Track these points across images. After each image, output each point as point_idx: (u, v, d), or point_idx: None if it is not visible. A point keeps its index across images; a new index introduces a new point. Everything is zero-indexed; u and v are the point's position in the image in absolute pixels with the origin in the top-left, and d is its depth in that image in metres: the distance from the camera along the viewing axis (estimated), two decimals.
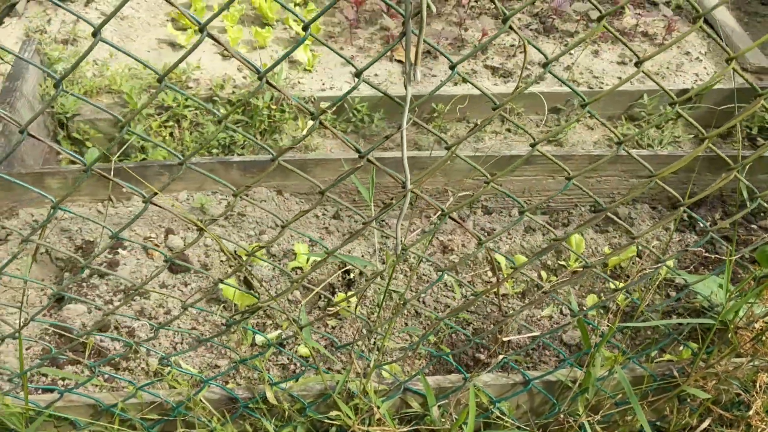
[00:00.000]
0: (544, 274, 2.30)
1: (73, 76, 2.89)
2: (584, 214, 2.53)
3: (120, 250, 2.18)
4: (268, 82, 1.08)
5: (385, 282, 2.27)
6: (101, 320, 1.56)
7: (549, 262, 2.34)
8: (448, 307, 2.17)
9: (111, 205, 2.38)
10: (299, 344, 2.03)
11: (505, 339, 1.91)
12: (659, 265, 1.43)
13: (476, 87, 1.14)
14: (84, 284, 2.09)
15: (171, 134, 2.92)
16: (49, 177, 2.33)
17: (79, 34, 3.29)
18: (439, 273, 2.21)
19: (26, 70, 2.69)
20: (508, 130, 3.15)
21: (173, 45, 3.35)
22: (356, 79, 1.11)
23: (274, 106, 2.94)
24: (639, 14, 3.38)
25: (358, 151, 1.18)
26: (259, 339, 2.05)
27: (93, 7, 3.47)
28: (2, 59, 3.03)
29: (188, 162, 1.17)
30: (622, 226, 2.48)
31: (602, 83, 3.18)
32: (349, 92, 1.12)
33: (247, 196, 2.47)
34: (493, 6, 3.62)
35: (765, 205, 1.38)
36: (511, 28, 1.05)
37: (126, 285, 2.11)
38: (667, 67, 3.29)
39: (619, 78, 3.22)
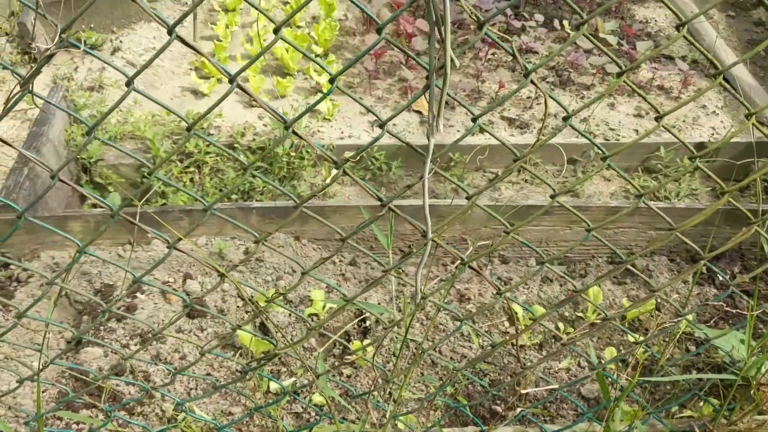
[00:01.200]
0: (561, 325, 2.28)
1: (97, 119, 2.95)
2: (601, 265, 2.52)
3: (138, 294, 2.20)
4: (294, 132, 1.10)
5: (402, 330, 2.26)
6: (118, 364, 1.57)
7: (566, 314, 2.32)
8: (465, 357, 2.16)
9: (132, 249, 2.40)
10: (314, 392, 2.02)
11: (522, 391, 1.89)
12: (679, 319, 1.42)
13: (497, 139, 1.16)
14: (102, 328, 2.10)
15: (191, 179, 2.96)
16: (72, 220, 2.36)
17: (105, 81, 3.38)
18: (457, 322, 2.20)
19: (53, 115, 2.76)
20: (525, 180, 3.17)
21: (196, 93, 3.42)
22: (379, 130, 1.13)
23: (293, 153, 2.98)
24: (655, 68, 3.42)
25: (380, 199, 1.20)
26: (274, 386, 2.04)
27: (119, 56, 3.57)
28: (35, 105, 3.11)
29: (212, 209, 1.19)
30: (641, 278, 2.47)
31: (618, 135, 3.20)
32: (372, 142, 1.14)
33: (266, 242, 2.49)
34: (509, 59, 3.68)
35: None
36: (532, 82, 1.08)
37: (143, 329, 2.11)
38: (684, 120, 3.31)
39: (636, 130, 3.25)
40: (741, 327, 1.67)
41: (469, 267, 1.33)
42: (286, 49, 3.54)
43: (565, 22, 3.81)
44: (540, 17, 3.80)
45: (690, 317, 2.14)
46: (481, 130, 3.24)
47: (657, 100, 3.44)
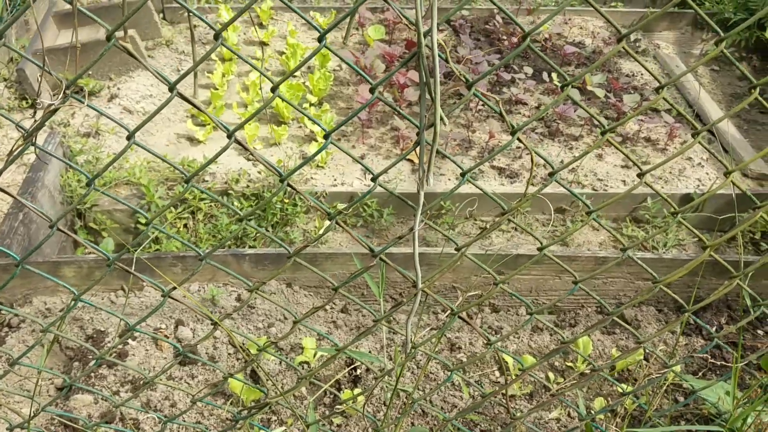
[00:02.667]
0: (551, 375, 2.29)
1: (94, 168, 2.99)
2: (591, 315, 2.54)
3: (130, 341, 2.20)
4: (289, 185, 1.14)
5: (393, 380, 2.27)
6: (108, 412, 1.56)
7: (557, 364, 2.34)
8: (455, 406, 2.16)
9: (124, 295, 2.41)
10: None
11: None
12: (666, 370, 1.44)
13: (486, 194, 1.20)
14: (92, 375, 2.10)
15: (185, 225, 2.99)
16: (65, 266, 2.37)
17: (102, 127, 3.43)
18: (448, 372, 2.21)
19: (48, 161, 2.79)
20: (515, 229, 3.21)
21: (191, 139, 3.47)
22: (372, 183, 1.17)
23: (287, 200, 3.02)
24: (642, 120, 3.50)
25: (371, 250, 1.23)
26: None
27: (116, 102, 3.63)
28: (34, 152, 3.15)
29: (208, 258, 1.22)
30: (627, 330, 2.49)
31: (606, 185, 3.26)
32: (364, 195, 1.17)
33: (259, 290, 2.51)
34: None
35: None
36: (519, 140, 1.12)
37: (134, 376, 2.11)
38: (670, 172, 3.38)
39: (623, 181, 3.31)
40: (727, 378, 1.69)
41: (459, 317, 1.35)
42: (281, 98, 3.61)
43: (554, 75, 3.91)
44: (529, 69, 3.90)
45: (678, 368, 2.16)
46: (479, 162, 3.30)
47: (644, 151, 3.52)
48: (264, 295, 1.28)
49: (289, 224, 3.10)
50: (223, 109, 3.57)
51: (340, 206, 3.11)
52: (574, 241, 3.16)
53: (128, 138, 1.07)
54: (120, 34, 3.60)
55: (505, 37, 4.23)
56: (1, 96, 3.72)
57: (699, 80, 4.33)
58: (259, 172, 3.19)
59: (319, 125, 1.08)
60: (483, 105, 3.82)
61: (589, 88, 3.63)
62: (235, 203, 3.05)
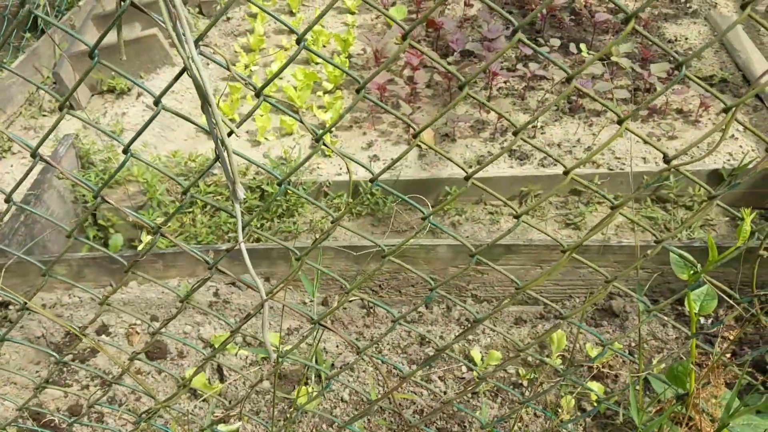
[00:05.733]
0: (522, 370, 2.18)
1: (105, 167, 3.12)
2: (578, 306, 2.40)
3: (103, 336, 2.30)
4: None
5: (356, 374, 2.24)
6: (76, 404, 1.65)
7: (530, 359, 2.23)
8: (414, 403, 2.11)
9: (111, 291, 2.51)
10: None
11: None
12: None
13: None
14: (64, 369, 2.21)
15: (192, 220, 3.07)
16: (56, 265, 2.50)
17: (125, 126, 3.57)
18: (413, 366, 2.15)
19: (59, 163, 2.94)
20: (493, 213, 3.08)
21: (210, 133, 3.55)
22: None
23: (291, 192, 3.03)
24: (672, 91, 3.24)
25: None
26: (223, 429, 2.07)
27: (141, 100, 3.76)
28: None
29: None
30: (616, 322, 2.34)
31: (624, 164, 3.05)
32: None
33: (235, 284, 2.55)
34: (520, 87, 3.59)
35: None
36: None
37: (105, 370, 2.20)
38: (698, 146, 3.11)
39: (644, 158, 3.08)
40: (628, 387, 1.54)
41: (320, 325, 1.31)
42: (294, 87, 3.62)
43: (583, 46, 3.68)
44: (557, 42, 3.69)
45: (662, 366, 2.00)
46: (478, 162, 3.18)
47: (674, 125, 3.25)
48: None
49: (294, 215, 3.12)
50: (239, 102, 3.62)
51: (340, 197, 3.09)
52: (586, 224, 2.98)
53: (124, 152, 1.11)
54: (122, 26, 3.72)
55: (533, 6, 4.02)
56: (43, 100, 3.95)
57: (761, 39, 3.94)
58: (263, 166, 3.22)
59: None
60: (505, 83, 3.66)
61: (614, 58, 3.39)
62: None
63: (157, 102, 1.04)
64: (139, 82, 1.05)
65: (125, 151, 1.09)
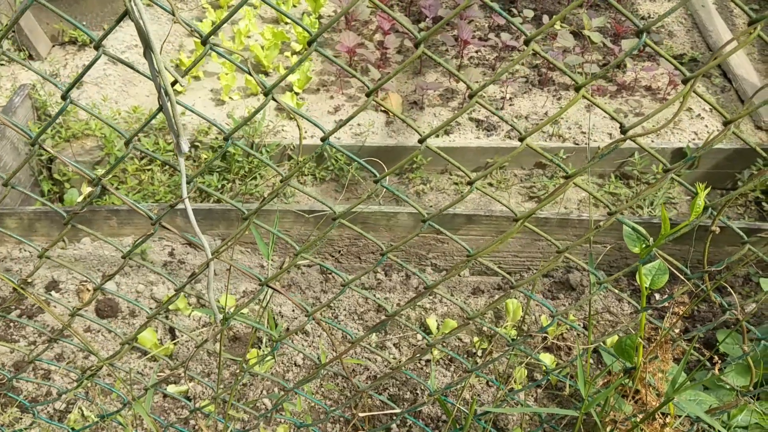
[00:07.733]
0: (476, 340, 2.19)
1: (62, 120, 3.02)
2: (537, 278, 2.40)
3: (53, 292, 2.24)
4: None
5: (311, 339, 2.23)
6: (21, 360, 1.59)
7: (485, 328, 2.23)
8: (367, 369, 2.10)
9: (63, 246, 2.45)
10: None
11: (361, 415, 1.81)
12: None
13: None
14: (12, 324, 2.16)
15: (150, 178, 3.00)
16: (6, 217, 2.43)
17: (85, 79, 3.46)
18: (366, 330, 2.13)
19: (13, 114, 2.84)
20: (491, 185, 3.06)
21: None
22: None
23: (240, 148, 2.97)
24: (640, 67, 3.23)
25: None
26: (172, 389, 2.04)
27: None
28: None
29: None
30: (572, 295, 2.35)
31: (590, 139, 3.05)
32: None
33: (189, 245, 2.50)
34: (492, 56, 3.56)
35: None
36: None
37: (53, 327, 2.16)
38: (661, 121, 3.12)
39: (610, 134, 3.08)
40: (574, 361, 1.55)
41: (268, 286, 1.29)
42: (261, 46, 3.54)
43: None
44: (530, 13, 3.65)
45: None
46: (446, 133, 3.15)
47: (641, 102, 3.25)
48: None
49: (256, 177, 3.07)
50: (205, 60, 3.53)
51: (301, 159, 3.04)
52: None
53: (63, 98, 1.04)
54: None
55: None
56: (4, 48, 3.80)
57: (734, 21, 3.95)
58: (228, 125, 3.15)
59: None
60: (476, 52, 3.62)
61: (585, 32, 3.37)
62: (202, 155, 3.04)
63: (97, 46, 0.98)
64: (80, 25, 0.99)
65: (63, 97, 1.04)
